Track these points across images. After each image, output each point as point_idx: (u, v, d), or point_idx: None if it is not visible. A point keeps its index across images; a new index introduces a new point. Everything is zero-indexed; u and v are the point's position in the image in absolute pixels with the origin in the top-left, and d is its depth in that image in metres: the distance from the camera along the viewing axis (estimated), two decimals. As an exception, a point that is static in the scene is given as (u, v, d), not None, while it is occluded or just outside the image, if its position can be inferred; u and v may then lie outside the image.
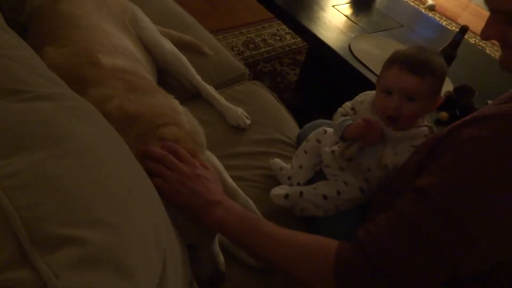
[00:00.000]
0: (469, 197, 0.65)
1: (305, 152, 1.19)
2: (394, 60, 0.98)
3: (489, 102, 1.56)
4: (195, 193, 0.80)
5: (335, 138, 1.13)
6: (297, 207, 1.09)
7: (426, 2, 4.01)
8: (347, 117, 1.09)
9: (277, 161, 1.24)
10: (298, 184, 1.16)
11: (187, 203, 0.80)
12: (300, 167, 1.17)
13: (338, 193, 1.06)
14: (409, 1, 3.86)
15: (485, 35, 0.77)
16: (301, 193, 1.08)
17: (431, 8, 3.99)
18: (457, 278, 0.69)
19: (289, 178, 1.19)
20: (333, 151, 1.08)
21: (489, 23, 0.76)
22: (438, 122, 1.48)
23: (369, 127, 0.99)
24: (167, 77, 1.47)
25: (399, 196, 0.89)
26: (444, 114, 1.49)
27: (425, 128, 1.00)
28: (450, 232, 0.65)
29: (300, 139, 1.36)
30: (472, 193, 0.65)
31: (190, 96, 1.45)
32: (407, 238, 0.68)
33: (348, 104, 1.15)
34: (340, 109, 1.14)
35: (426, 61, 0.94)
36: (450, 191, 0.67)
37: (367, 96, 1.11)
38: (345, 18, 2.03)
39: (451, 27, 3.75)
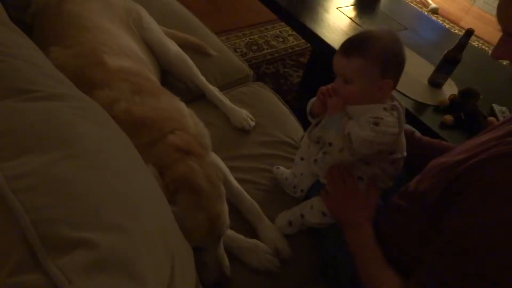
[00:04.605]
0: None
1: (301, 158, 1.17)
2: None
3: (494, 105, 1.56)
4: (346, 211, 0.99)
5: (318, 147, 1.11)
6: (303, 227, 1.10)
7: (429, 5, 4.00)
8: None
9: (281, 170, 1.22)
10: (302, 191, 1.16)
11: (339, 215, 1.01)
12: (302, 174, 1.16)
13: None
14: (412, 4, 3.85)
15: (496, 54, 0.78)
16: (302, 216, 1.08)
17: (434, 11, 3.98)
18: None
19: (294, 186, 1.18)
20: (315, 160, 1.07)
21: (500, 44, 0.77)
22: (443, 125, 1.47)
23: (328, 94, 0.98)
24: (171, 78, 1.47)
25: (402, 214, 0.89)
26: (449, 117, 1.48)
27: (386, 105, 0.95)
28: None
29: (303, 142, 1.35)
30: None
31: (194, 97, 1.44)
32: None
33: None
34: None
35: (359, 41, 0.92)
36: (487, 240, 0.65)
37: None
38: (349, 20, 2.03)
39: (454, 30, 3.75)
